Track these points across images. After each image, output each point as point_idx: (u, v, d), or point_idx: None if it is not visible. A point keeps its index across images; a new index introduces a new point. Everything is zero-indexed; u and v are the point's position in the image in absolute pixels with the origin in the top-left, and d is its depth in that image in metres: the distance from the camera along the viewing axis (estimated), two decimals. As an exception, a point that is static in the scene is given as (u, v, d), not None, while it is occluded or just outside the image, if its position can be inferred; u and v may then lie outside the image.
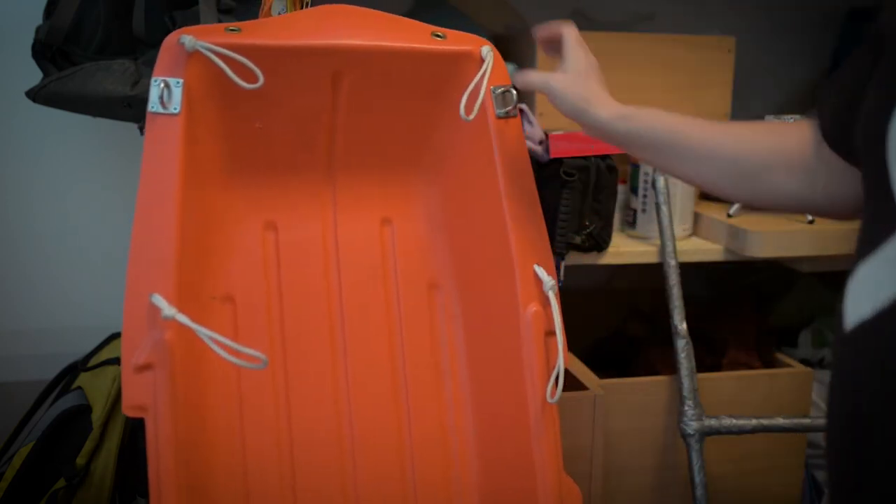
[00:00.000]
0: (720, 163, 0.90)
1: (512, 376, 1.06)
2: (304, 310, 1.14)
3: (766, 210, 0.95)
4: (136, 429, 1.25)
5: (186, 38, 0.98)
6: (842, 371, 0.65)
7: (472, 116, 1.06)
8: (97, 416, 1.23)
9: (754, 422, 1.25)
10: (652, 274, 1.43)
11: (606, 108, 0.96)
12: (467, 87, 1.07)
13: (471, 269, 1.16)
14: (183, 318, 0.89)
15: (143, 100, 1.07)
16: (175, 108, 0.98)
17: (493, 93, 1.10)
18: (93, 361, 1.39)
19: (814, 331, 1.69)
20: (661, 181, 1.34)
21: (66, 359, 1.45)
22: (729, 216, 1.39)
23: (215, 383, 1.06)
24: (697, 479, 1.23)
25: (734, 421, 1.25)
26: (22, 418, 1.37)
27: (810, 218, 1.34)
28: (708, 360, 1.52)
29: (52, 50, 1.27)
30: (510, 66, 1.46)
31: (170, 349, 0.90)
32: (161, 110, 0.98)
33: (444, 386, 1.16)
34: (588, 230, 1.29)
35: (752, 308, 1.57)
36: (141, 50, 1.26)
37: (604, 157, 1.29)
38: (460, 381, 1.16)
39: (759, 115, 1.40)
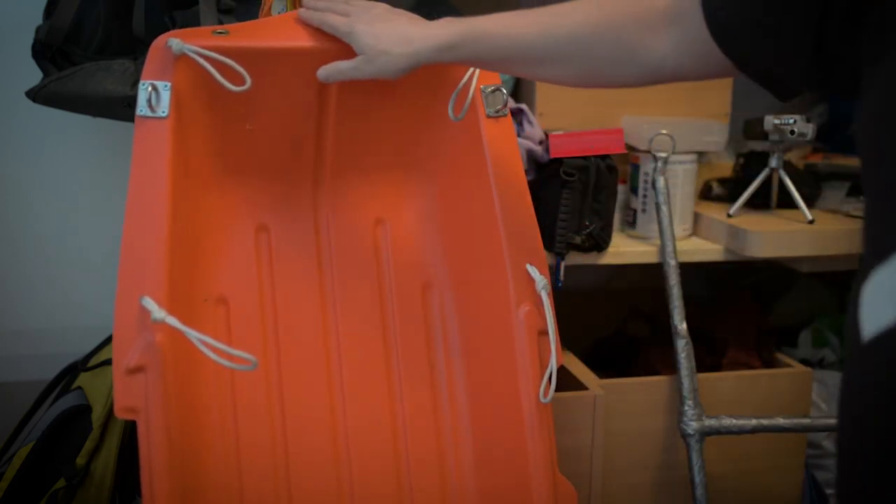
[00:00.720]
0: (557, 65, 0.89)
1: (506, 376, 1.06)
2: (297, 311, 1.14)
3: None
4: (136, 429, 1.25)
5: (174, 41, 0.98)
6: (862, 384, 0.60)
7: (461, 116, 1.07)
8: (97, 416, 1.23)
9: (754, 422, 1.25)
10: (652, 274, 1.43)
11: (430, 41, 0.93)
12: (457, 86, 1.07)
13: (464, 269, 1.16)
14: (173, 321, 0.89)
15: (143, 100, 1.06)
16: (163, 112, 0.99)
17: (483, 92, 1.10)
18: (93, 361, 1.39)
19: (814, 331, 1.69)
20: (661, 181, 1.34)
21: (66, 359, 1.45)
22: (729, 216, 1.39)
23: (208, 385, 1.06)
24: (697, 479, 1.23)
25: (734, 421, 1.25)
26: (22, 418, 1.37)
27: (810, 218, 1.34)
28: (708, 360, 1.52)
29: (52, 50, 1.27)
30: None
31: (161, 352, 0.90)
32: (149, 114, 0.98)
33: (439, 386, 1.16)
34: (588, 230, 1.29)
35: (752, 308, 1.57)
36: (141, 50, 1.26)
37: (604, 157, 1.29)
38: (454, 381, 1.16)
39: (759, 116, 1.40)
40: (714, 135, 1.42)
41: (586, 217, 1.29)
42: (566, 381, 1.34)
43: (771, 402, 1.36)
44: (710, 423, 1.25)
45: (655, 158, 1.35)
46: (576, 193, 1.27)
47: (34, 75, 1.29)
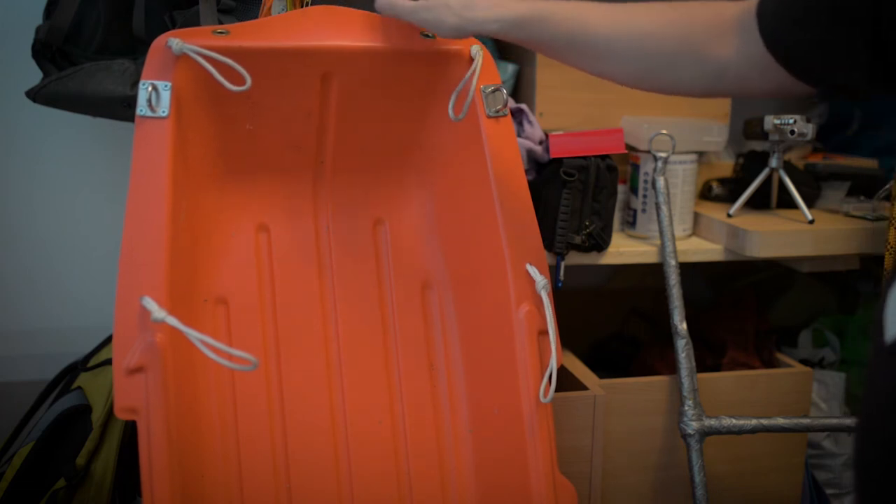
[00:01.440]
0: (622, 62, 0.88)
1: (506, 376, 1.06)
2: (297, 311, 1.14)
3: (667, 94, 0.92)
4: (136, 429, 1.25)
5: (174, 41, 0.98)
6: (883, 385, 0.60)
7: (461, 116, 1.07)
8: (97, 416, 1.23)
9: (754, 422, 1.25)
10: (652, 274, 1.43)
11: (495, 14, 0.90)
12: (457, 86, 1.07)
13: (464, 269, 1.16)
14: (173, 321, 0.89)
15: (143, 100, 1.06)
16: (164, 112, 0.99)
17: (483, 92, 1.10)
18: (93, 361, 1.39)
19: (814, 331, 1.69)
20: (661, 181, 1.34)
21: (66, 359, 1.46)
22: (729, 216, 1.39)
23: (209, 385, 1.06)
24: (697, 479, 1.23)
25: (734, 421, 1.25)
26: (22, 418, 1.37)
27: (810, 218, 1.34)
28: (708, 360, 1.52)
29: (52, 50, 1.27)
30: (510, 67, 1.46)
31: (161, 352, 0.90)
32: (149, 114, 0.99)
33: (439, 386, 1.16)
34: (588, 230, 1.29)
35: (752, 308, 1.57)
36: (141, 50, 1.26)
37: (604, 157, 1.29)
38: (455, 380, 1.16)
39: (759, 116, 1.40)
40: (714, 135, 1.42)
41: (586, 217, 1.29)
42: (566, 381, 1.34)
43: (771, 402, 1.36)
44: (710, 423, 1.25)
45: (655, 158, 1.35)
46: (576, 193, 1.27)
47: (34, 75, 1.29)
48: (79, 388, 1.31)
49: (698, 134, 1.41)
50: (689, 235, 1.43)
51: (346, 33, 1.07)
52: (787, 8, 0.77)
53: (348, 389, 1.14)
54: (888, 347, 0.59)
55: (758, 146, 1.53)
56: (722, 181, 1.55)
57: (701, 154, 1.47)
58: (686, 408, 1.26)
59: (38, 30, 1.28)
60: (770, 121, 1.35)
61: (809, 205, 1.41)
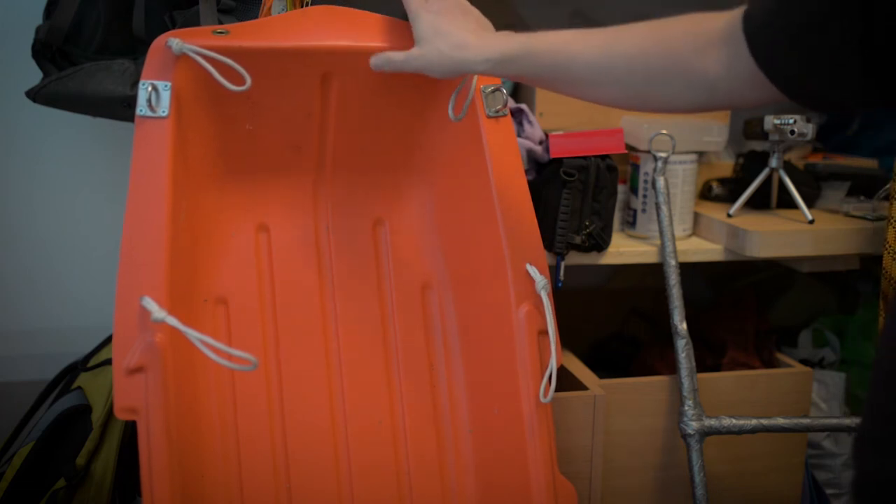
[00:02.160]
0: (612, 86, 0.88)
1: (506, 376, 1.06)
2: (297, 311, 1.14)
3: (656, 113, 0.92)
4: (136, 429, 1.25)
5: (174, 41, 0.98)
6: None
7: (461, 116, 1.07)
8: (97, 416, 1.23)
9: (754, 422, 1.25)
10: (652, 274, 1.43)
11: (484, 53, 0.92)
12: (457, 86, 1.07)
13: (464, 269, 1.16)
14: (173, 321, 0.89)
15: (143, 100, 1.06)
16: (163, 112, 0.99)
17: (483, 92, 1.10)
18: (93, 361, 1.39)
19: (814, 331, 1.69)
20: (661, 181, 1.34)
21: (66, 359, 1.46)
22: (729, 216, 1.39)
23: (209, 385, 1.06)
24: (697, 479, 1.23)
25: (734, 421, 1.25)
26: (22, 418, 1.37)
27: (810, 218, 1.34)
28: (708, 360, 1.52)
29: (52, 50, 1.27)
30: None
31: (161, 352, 0.90)
32: (149, 114, 0.98)
33: (439, 386, 1.16)
34: (588, 230, 1.29)
35: (752, 308, 1.57)
36: (141, 50, 1.26)
37: (604, 157, 1.29)
38: (454, 380, 1.16)
39: (759, 116, 1.40)
40: (714, 135, 1.42)
41: (586, 217, 1.29)
42: (566, 381, 1.34)
43: (771, 402, 1.36)
44: (710, 423, 1.25)
45: (655, 158, 1.35)
46: (576, 193, 1.27)
47: (34, 75, 1.29)
48: (79, 388, 1.31)
49: (698, 134, 1.41)
50: (689, 235, 1.43)
51: (346, 33, 1.07)
52: (776, 27, 0.76)
53: (348, 389, 1.14)
54: None
55: (758, 146, 1.53)
56: (722, 181, 1.55)
57: (701, 154, 1.47)
58: (686, 408, 1.26)
59: (38, 30, 1.28)
60: (770, 121, 1.35)
61: (809, 205, 1.41)
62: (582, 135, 1.28)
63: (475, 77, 1.08)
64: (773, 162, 1.39)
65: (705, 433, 1.25)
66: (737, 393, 1.35)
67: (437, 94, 1.12)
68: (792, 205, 1.39)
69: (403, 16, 1.05)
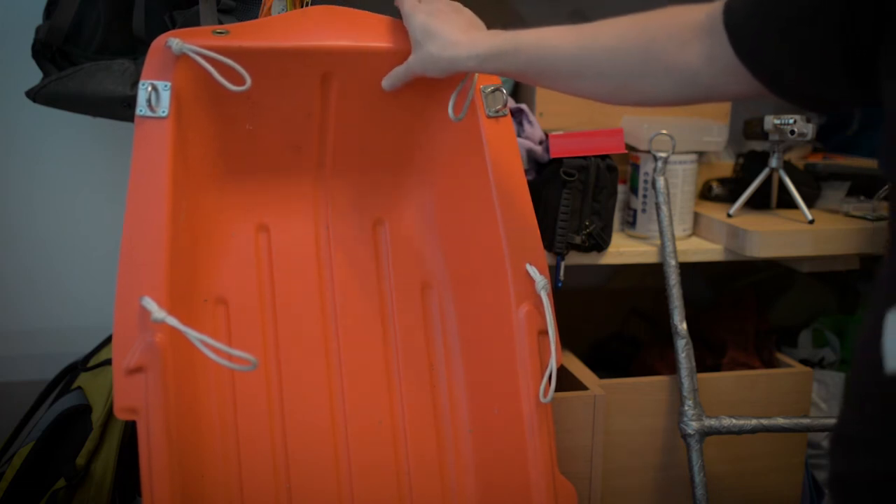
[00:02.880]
0: (593, 79, 0.89)
1: (506, 376, 1.06)
2: (297, 311, 1.14)
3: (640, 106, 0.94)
4: (136, 429, 1.25)
5: (174, 41, 0.98)
6: (882, 414, 0.59)
7: (461, 116, 1.07)
8: (97, 416, 1.23)
9: (754, 422, 1.25)
10: (652, 274, 1.43)
11: (471, 50, 0.96)
12: (457, 86, 1.07)
13: (464, 269, 1.16)
14: (173, 321, 0.89)
15: (143, 100, 1.06)
16: (163, 112, 0.99)
17: (483, 92, 1.10)
18: (93, 361, 1.39)
19: (814, 331, 1.69)
20: (661, 181, 1.34)
21: (66, 359, 1.46)
22: (729, 216, 1.39)
23: (209, 385, 1.06)
24: (697, 479, 1.23)
25: (734, 421, 1.25)
26: (22, 418, 1.37)
27: (810, 218, 1.34)
28: (708, 360, 1.52)
29: (52, 50, 1.27)
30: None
31: (161, 352, 0.90)
32: (149, 114, 0.99)
33: (439, 386, 1.16)
34: (588, 230, 1.29)
35: (752, 308, 1.57)
36: (141, 50, 1.26)
37: (604, 157, 1.29)
38: (454, 380, 1.16)
39: (759, 116, 1.40)
40: (714, 135, 1.42)
41: (586, 217, 1.29)
42: (566, 381, 1.34)
43: (771, 402, 1.36)
44: (710, 423, 1.25)
45: (655, 158, 1.35)
46: (576, 193, 1.27)
47: (34, 75, 1.29)
48: (79, 388, 1.31)
49: (698, 134, 1.41)
50: (689, 235, 1.43)
51: (346, 33, 1.07)
52: (757, 19, 0.75)
53: (348, 389, 1.14)
54: (890, 379, 0.58)
55: (758, 146, 1.53)
56: (722, 181, 1.55)
57: (701, 154, 1.47)
58: (686, 408, 1.26)
59: (38, 30, 1.28)
60: (770, 121, 1.35)
61: (809, 205, 1.41)
62: (582, 135, 1.28)
63: (475, 77, 1.09)
64: (773, 162, 1.39)
65: (705, 433, 1.25)
66: (737, 393, 1.35)
67: (437, 95, 1.12)
68: (792, 205, 1.39)
69: (403, 15, 1.06)
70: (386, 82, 1.07)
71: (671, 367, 1.34)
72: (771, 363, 1.46)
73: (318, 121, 1.13)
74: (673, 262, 1.31)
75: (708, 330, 1.57)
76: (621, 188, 1.39)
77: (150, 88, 0.99)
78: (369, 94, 1.11)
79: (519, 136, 1.29)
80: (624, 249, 1.36)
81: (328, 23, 1.08)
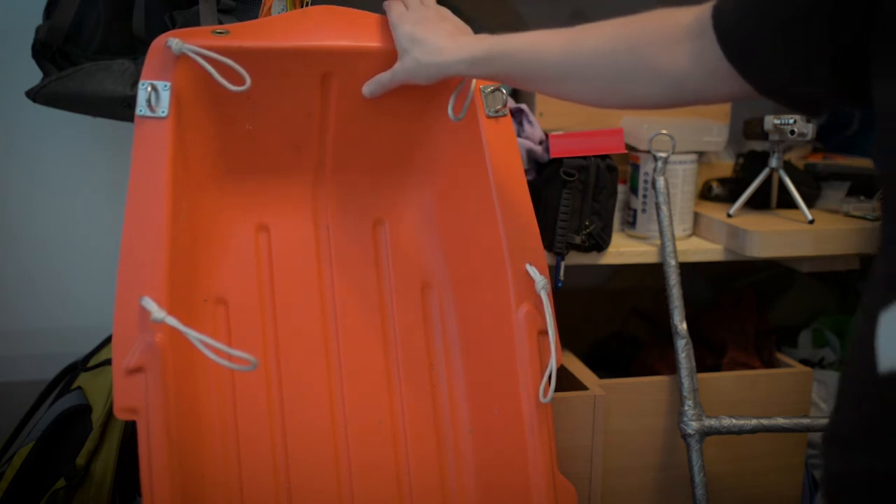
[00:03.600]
0: (580, 83, 0.90)
1: (506, 376, 1.06)
2: (297, 311, 1.14)
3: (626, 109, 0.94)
4: (136, 429, 1.25)
5: (173, 41, 0.98)
6: (875, 414, 0.59)
7: (461, 116, 1.07)
8: (97, 416, 1.23)
9: (754, 422, 1.25)
10: (652, 274, 1.43)
11: (458, 54, 0.97)
12: (457, 86, 1.07)
13: (464, 269, 1.16)
14: (173, 321, 0.89)
15: (143, 100, 1.06)
16: (163, 112, 0.99)
17: (483, 92, 1.10)
18: (93, 361, 1.39)
19: (814, 331, 1.69)
20: (661, 181, 1.34)
21: (66, 359, 1.45)
22: (729, 216, 1.39)
23: (209, 385, 1.06)
24: (697, 479, 1.23)
25: (734, 421, 1.25)
26: (22, 418, 1.37)
27: (810, 218, 1.34)
28: (708, 360, 1.52)
29: (52, 50, 1.27)
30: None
31: (161, 352, 0.90)
32: (149, 114, 0.99)
33: (439, 385, 1.16)
34: (588, 230, 1.29)
35: (752, 308, 1.57)
36: (141, 50, 1.26)
37: (604, 157, 1.29)
38: (454, 380, 1.16)
39: (759, 116, 1.40)
40: (714, 135, 1.42)
41: (586, 217, 1.29)
42: (566, 381, 1.34)
43: (771, 402, 1.36)
44: (710, 423, 1.25)
45: (655, 158, 1.35)
46: (576, 193, 1.27)
47: (34, 75, 1.29)
48: (79, 388, 1.31)
49: (698, 134, 1.41)
50: (689, 235, 1.43)
51: (346, 33, 1.07)
52: (746, 22, 0.76)
53: (348, 389, 1.14)
54: (882, 378, 0.58)
55: (758, 146, 1.53)
56: (722, 181, 1.55)
57: (701, 154, 1.47)
58: (686, 408, 1.26)
59: (38, 30, 1.28)
60: (770, 121, 1.35)
61: (809, 205, 1.41)
62: (582, 135, 1.28)
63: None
64: (773, 162, 1.39)
65: (705, 433, 1.25)
66: (737, 393, 1.35)
67: (437, 95, 1.12)
68: (792, 205, 1.39)
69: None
70: (366, 88, 1.08)
71: (671, 367, 1.34)
72: (771, 363, 1.46)
73: (318, 121, 1.13)
74: (673, 262, 1.31)
75: (708, 330, 1.57)
76: (621, 188, 1.39)
77: (149, 88, 0.99)
78: (369, 94, 1.11)
79: (519, 136, 1.29)
80: (624, 249, 1.36)
81: (328, 23, 1.08)
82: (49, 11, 1.29)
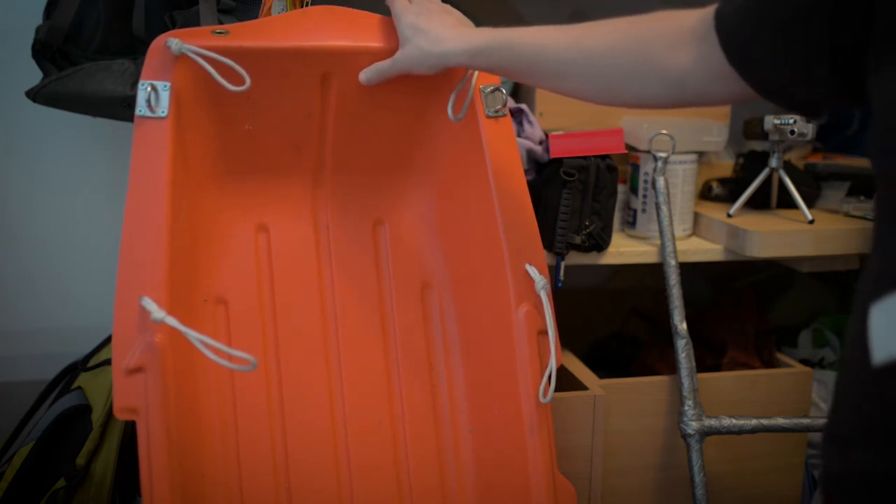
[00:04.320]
0: (582, 80, 0.90)
1: (505, 376, 1.06)
2: (297, 311, 1.14)
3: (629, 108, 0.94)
4: (136, 429, 1.25)
5: (173, 41, 0.98)
6: (869, 405, 0.59)
7: (460, 116, 1.07)
8: (97, 416, 1.23)
9: (754, 422, 1.25)
10: (652, 274, 1.43)
11: (460, 45, 0.97)
12: (456, 86, 1.07)
13: (463, 269, 1.16)
14: (172, 321, 0.89)
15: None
16: (163, 112, 0.99)
17: (483, 92, 1.10)
18: (93, 361, 1.39)
19: (814, 331, 1.69)
20: (661, 181, 1.34)
21: (66, 359, 1.45)
22: (729, 216, 1.39)
23: (209, 385, 1.06)
24: (697, 479, 1.23)
25: (734, 421, 1.25)
26: (22, 418, 1.37)
27: (810, 218, 1.34)
28: (708, 360, 1.52)
29: (52, 50, 1.27)
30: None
31: (160, 352, 0.90)
32: (149, 114, 0.98)
33: (439, 385, 1.16)
34: (588, 230, 1.29)
35: (752, 308, 1.57)
36: (141, 50, 1.26)
37: (604, 157, 1.29)
38: (454, 380, 1.16)
39: (759, 116, 1.40)
40: (714, 135, 1.42)
41: (586, 217, 1.29)
42: (566, 381, 1.33)
43: (771, 402, 1.36)
44: (710, 423, 1.25)
45: (655, 158, 1.35)
46: (576, 193, 1.27)
47: (34, 75, 1.29)
48: (79, 388, 1.31)
49: (698, 134, 1.41)
50: (689, 235, 1.43)
51: (346, 33, 1.07)
52: (749, 24, 0.76)
53: (348, 389, 1.14)
54: (876, 370, 0.58)
55: (758, 146, 1.53)
56: (722, 181, 1.55)
57: (701, 154, 1.47)
58: (686, 408, 1.26)
59: (38, 30, 1.28)
60: (770, 121, 1.35)
61: (809, 205, 1.41)
62: (582, 135, 1.28)
63: (474, 77, 1.09)
64: (773, 162, 1.39)
65: (705, 433, 1.25)
66: (737, 393, 1.35)
67: (437, 95, 1.12)
68: (792, 205, 1.39)
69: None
70: (364, 75, 1.07)
71: (671, 367, 1.34)
72: (771, 363, 1.46)
73: (318, 121, 1.13)
74: (673, 262, 1.31)
75: (708, 330, 1.57)
76: (621, 188, 1.39)
77: (149, 88, 0.99)
78: (369, 94, 1.11)
79: (519, 136, 1.29)
80: (624, 249, 1.36)
81: (328, 23, 1.08)
82: (49, 11, 1.29)
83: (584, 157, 1.27)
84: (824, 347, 1.66)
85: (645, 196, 1.39)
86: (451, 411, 1.15)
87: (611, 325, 1.80)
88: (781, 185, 1.41)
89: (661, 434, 1.34)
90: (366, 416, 1.13)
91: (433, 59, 0.99)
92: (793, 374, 1.38)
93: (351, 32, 1.07)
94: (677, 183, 1.38)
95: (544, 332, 1.04)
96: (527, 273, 1.05)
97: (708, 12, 0.80)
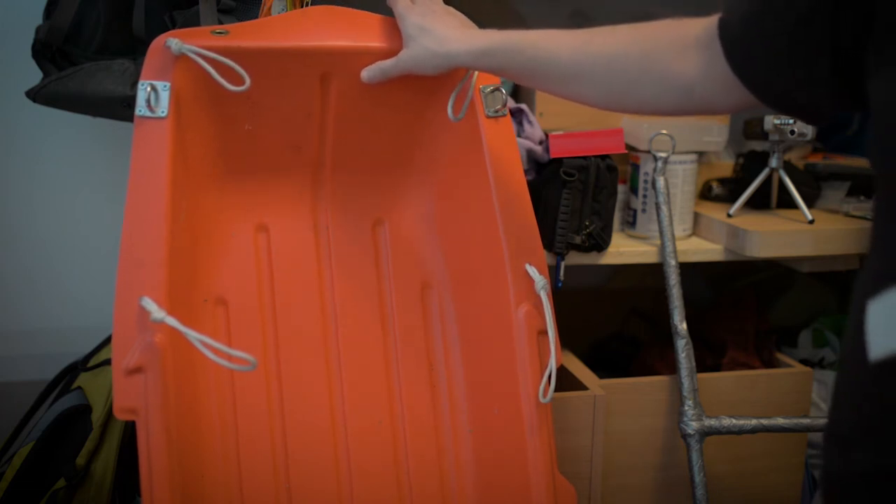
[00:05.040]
0: (588, 85, 0.90)
1: (505, 376, 1.06)
2: (297, 311, 1.14)
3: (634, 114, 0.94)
4: (136, 429, 1.25)
5: (173, 41, 0.98)
6: (867, 401, 0.60)
7: (460, 116, 1.07)
8: (97, 416, 1.23)
9: (754, 422, 1.25)
10: (652, 274, 1.43)
11: (465, 45, 0.97)
12: (456, 86, 1.07)
13: (463, 269, 1.16)
14: (172, 321, 0.89)
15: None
16: (162, 112, 0.99)
17: (482, 92, 1.10)
18: (93, 361, 1.39)
19: (814, 331, 1.69)
20: (661, 181, 1.34)
21: (66, 359, 1.45)
22: (729, 216, 1.39)
23: (209, 385, 1.06)
24: (697, 479, 1.23)
25: (734, 421, 1.25)
26: (22, 418, 1.37)
27: (810, 218, 1.34)
28: (708, 360, 1.52)
29: (52, 50, 1.27)
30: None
31: (160, 352, 0.90)
32: (148, 114, 0.98)
33: (439, 385, 1.16)
34: (588, 230, 1.29)
35: (752, 308, 1.57)
36: (141, 50, 1.26)
37: (604, 157, 1.29)
38: (454, 380, 1.16)
39: (759, 116, 1.40)
40: (714, 135, 1.42)
41: (586, 217, 1.29)
42: (566, 381, 1.34)
43: (771, 402, 1.36)
44: (710, 423, 1.25)
45: (655, 158, 1.35)
46: (576, 193, 1.27)
47: (34, 75, 1.29)
48: (79, 388, 1.31)
49: (698, 134, 1.41)
50: (689, 235, 1.43)
51: (346, 33, 1.07)
52: (751, 32, 0.76)
53: (348, 389, 1.14)
54: (873, 365, 0.58)
55: (758, 146, 1.53)
56: (722, 181, 1.55)
57: (701, 154, 1.47)
58: (686, 408, 1.26)
59: (38, 30, 1.28)
60: (770, 121, 1.35)
61: (809, 205, 1.41)
62: (582, 135, 1.28)
63: (474, 77, 1.09)
64: (773, 162, 1.39)
65: (705, 433, 1.25)
66: (737, 393, 1.35)
67: (437, 95, 1.12)
68: (792, 205, 1.39)
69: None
70: (366, 73, 1.06)
71: (671, 367, 1.34)
72: (771, 363, 1.46)
73: (318, 121, 1.13)
74: (673, 262, 1.31)
75: (708, 330, 1.57)
76: (621, 188, 1.39)
77: (149, 89, 0.99)
78: (369, 94, 1.11)
79: (519, 136, 1.29)
80: (624, 249, 1.36)
81: (328, 23, 1.08)
82: (49, 11, 1.29)
83: (584, 157, 1.27)
84: (824, 347, 1.66)
85: (645, 196, 1.39)
86: (451, 411, 1.15)
87: (611, 325, 1.80)
88: (781, 185, 1.41)
89: (661, 434, 1.34)
90: (366, 416, 1.13)
91: (438, 59, 0.99)
92: (793, 374, 1.38)
93: (351, 32, 1.07)
94: (677, 183, 1.38)
95: (544, 332, 1.04)
96: (527, 273, 1.05)
97: (712, 21, 0.80)
